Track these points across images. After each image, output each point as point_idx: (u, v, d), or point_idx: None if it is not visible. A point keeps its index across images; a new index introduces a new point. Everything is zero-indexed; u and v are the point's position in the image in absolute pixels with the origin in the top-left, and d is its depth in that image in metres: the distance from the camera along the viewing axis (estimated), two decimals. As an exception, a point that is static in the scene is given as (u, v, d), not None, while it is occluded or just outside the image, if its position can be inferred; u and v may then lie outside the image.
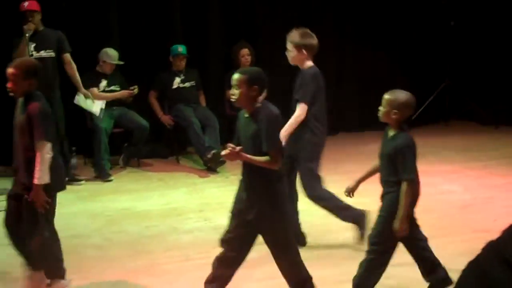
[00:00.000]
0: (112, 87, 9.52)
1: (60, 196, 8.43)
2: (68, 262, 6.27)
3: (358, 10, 11.53)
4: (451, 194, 8.26)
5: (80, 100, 9.05)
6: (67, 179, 8.88)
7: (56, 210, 7.77)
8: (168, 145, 10.20)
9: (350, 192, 5.77)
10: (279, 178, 4.78)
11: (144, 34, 10.37)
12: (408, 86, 11.96)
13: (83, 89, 9.02)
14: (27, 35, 8.46)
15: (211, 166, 9.34)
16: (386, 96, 5.21)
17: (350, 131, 11.55)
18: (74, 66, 8.89)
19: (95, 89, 9.33)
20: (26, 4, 8.61)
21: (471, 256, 6.22)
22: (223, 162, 9.31)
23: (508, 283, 0.61)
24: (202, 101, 10.17)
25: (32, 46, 8.58)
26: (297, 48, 6.41)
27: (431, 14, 11.95)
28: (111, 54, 9.49)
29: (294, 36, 6.45)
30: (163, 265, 6.17)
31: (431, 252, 5.31)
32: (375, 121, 11.67)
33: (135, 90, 9.50)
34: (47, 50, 8.69)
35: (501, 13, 11.56)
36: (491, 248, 0.66)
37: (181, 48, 9.92)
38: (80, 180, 8.99)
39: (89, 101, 9.08)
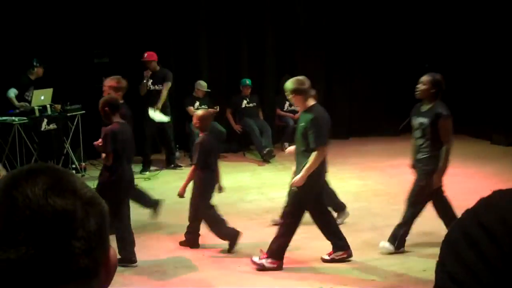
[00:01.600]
0: (203, 107, 9.64)
1: (169, 176, 8.63)
2: (177, 219, 6.37)
3: (365, 54, 11.43)
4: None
5: (151, 112, 8.85)
6: (172, 165, 9.06)
7: (166, 185, 7.97)
8: (238, 144, 10.29)
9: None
10: (112, 171, 5.12)
11: (223, 71, 10.49)
12: (396, 107, 11.93)
13: (158, 105, 8.76)
14: (147, 79, 8.70)
15: (266, 159, 9.39)
16: (195, 114, 5.93)
17: (358, 136, 11.46)
18: (165, 92, 8.82)
19: (191, 108, 9.46)
20: (145, 55, 8.75)
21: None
22: (273, 156, 9.40)
23: (483, 242, 0.64)
24: (261, 115, 10.22)
25: (150, 82, 8.74)
26: (113, 90, 6.05)
27: (411, 58, 11.76)
28: (202, 84, 9.64)
29: (108, 81, 6.19)
30: (234, 223, 6.23)
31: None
32: (375, 129, 11.66)
33: (217, 108, 9.62)
34: (158, 85, 8.75)
35: (460, 59, 11.42)
36: (469, 213, 0.68)
37: (248, 81, 10.02)
38: (181, 167, 9.11)
39: (157, 113, 8.87)
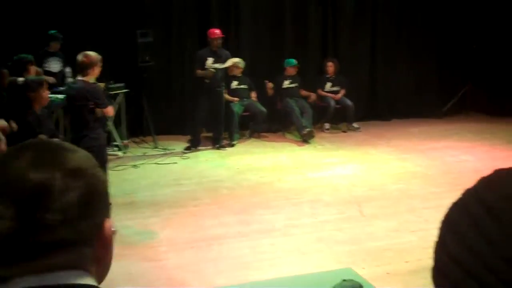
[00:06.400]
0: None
1: (208, 155, 8.67)
2: (210, 197, 6.49)
3: (411, 34, 11.16)
4: (466, 162, 8.02)
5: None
6: (217, 146, 8.93)
7: (205, 164, 8.02)
8: (278, 124, 10.21)
9: None
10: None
11: (266, 51, 10.39)
12: (441, 88, 11.68)
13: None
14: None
15: (306, 139, 9.30)
16: None
17: (400, 118, 11.22)
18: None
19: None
20: (216, 31, 8.70)
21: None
22: (313, 137, 9.33)
23: (484, 221, 0.62)
24: (304, 95, 10.14)
25: (212, 60, 8.65)
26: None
27: (458, 39, 11.42)
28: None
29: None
30: (271, 202, 6.27)
31: None
32: (418, 111, 11.37)
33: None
34: (220, 63, 8.69)
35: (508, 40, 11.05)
36: (469, 192, 0.66)
37: (293, 61, 9.92)
38: (225, 147, 8.95)
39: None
